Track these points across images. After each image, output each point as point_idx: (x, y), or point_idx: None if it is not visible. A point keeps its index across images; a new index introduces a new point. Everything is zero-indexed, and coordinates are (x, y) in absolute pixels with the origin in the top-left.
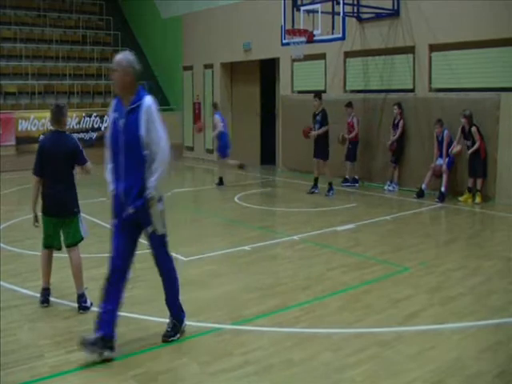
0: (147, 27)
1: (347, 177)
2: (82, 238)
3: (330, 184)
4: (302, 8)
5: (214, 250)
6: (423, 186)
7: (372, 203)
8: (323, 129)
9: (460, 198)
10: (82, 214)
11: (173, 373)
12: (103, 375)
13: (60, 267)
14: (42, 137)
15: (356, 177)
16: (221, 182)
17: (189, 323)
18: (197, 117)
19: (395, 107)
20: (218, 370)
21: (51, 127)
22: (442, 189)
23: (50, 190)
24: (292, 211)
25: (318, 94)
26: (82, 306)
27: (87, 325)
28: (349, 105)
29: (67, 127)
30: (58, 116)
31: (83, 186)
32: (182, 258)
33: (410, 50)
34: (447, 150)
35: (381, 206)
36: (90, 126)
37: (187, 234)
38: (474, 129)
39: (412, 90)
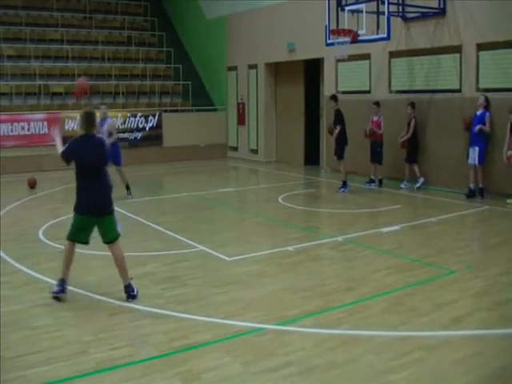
0: (192, 28)
1: (372, 177)
2: (119, 235)
3: (344, 182)
4: (347, 8)
5: (258, 250)
6: (471, 186)
7: (417, 205)
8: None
9: (508, 201)
10: (125, 213)
11: (216, 372)
12: (147, 372)
13: (105, 265)
14: (74, 143)
15: (372, 177)
16: (129, 191)
17: (232, 322)
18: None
19: (408, 107)
20: (261, 369)
21: (82, 132)
22: (480, 185)
23: (86, 191)
24: (336, 212)
25: (332, 96)
26: (131, 295)
27: (132, 322)
28: (377, 104)
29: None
30: (90, 122)
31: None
32: (226, 257)
33: (456, 49)
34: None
35: (426, 207)
36: (135, 126)
37: (231, 233)
38: None
39: (459, 90)
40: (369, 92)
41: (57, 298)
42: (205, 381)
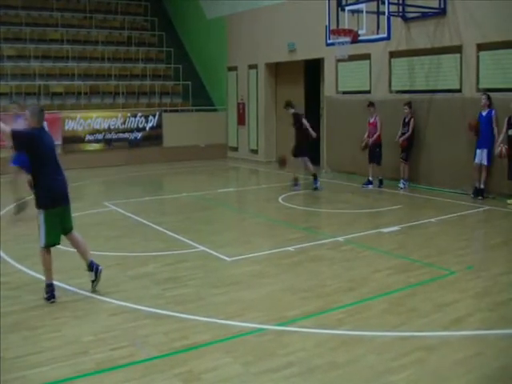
0: (192, 28)
1: (370, 178)
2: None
3: (296, 179)
4: (347, 8)
5: (258, 251)
6: (477, 185)
7: (417, 205)
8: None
9: (508, 201)
10: (125, 213)
11: (216, 372)
12: (147, 373)
13: (104, 265)
14: (32, 131)
15: (370, 178)
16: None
17: (232, 323)
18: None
19: (406, 107)
20: (262, 370)
21: (34, 126)
22: (482, 185)
23: (54, 180)
24: (336, 212)
25: (287, 104)
26: (98, 269)
27: (132, 322)
28: (371, 104)
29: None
30: (43, 116)
31: (129, 184)
32: (226, 258)
33: (456, 49)
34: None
35: (426, 207)
36: (135, 126)
37: (231, 234)
38: None
39: (459, 91)
40: (369, 92)
41: (53, 301)
42: (205, 381)
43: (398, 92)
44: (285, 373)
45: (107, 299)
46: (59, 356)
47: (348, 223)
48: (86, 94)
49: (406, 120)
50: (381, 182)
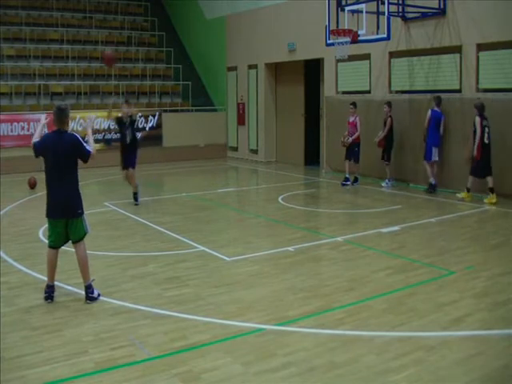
0: (191, 28)
1: (347, 176)
2: (86, 233)
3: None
4: (347, 8)
5: (258, 251)
6: (432, 181)
7: (417, 205)
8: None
9: (458, 195)
10: (125, 213)
11: (216, 372)
12: (147, 373)
13: (105, 265)
14: (38, 140)
15: (347, 175)
16: None
17: (232, 323)
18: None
19: (385, 106)
20: (262, 370)
21: (54, 126)
22: (431, 180)
23: (54, 191)
24: (336, 212)
25: (127, 102)
26: (89, 297)
27: (132, 322)
28: (353, 104)
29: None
30: (62, 117)
31: (129, 184)
32: (226, 258)
33: (456, 49)
34: (425, 135)
35: (425, 208)
36: (135, 126)
37: (231, 234)
38: (477, 119)
39: (459, 91)
40: (369, 92)
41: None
42: (205, 381)
43: (397, 92)
44: (284, 373)
45: (107, 299)
46: (59, 356)
47: (348, 223)
48: (85, 93)
49: (384, 120)
50: (355, 179)
